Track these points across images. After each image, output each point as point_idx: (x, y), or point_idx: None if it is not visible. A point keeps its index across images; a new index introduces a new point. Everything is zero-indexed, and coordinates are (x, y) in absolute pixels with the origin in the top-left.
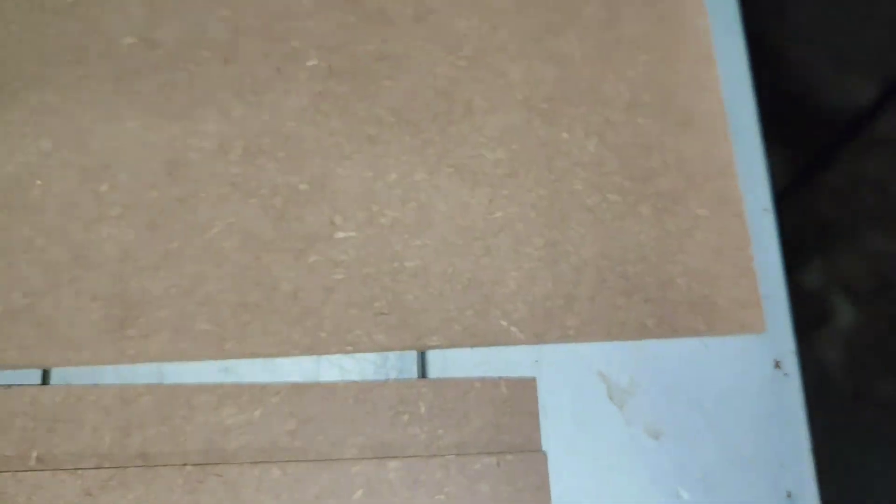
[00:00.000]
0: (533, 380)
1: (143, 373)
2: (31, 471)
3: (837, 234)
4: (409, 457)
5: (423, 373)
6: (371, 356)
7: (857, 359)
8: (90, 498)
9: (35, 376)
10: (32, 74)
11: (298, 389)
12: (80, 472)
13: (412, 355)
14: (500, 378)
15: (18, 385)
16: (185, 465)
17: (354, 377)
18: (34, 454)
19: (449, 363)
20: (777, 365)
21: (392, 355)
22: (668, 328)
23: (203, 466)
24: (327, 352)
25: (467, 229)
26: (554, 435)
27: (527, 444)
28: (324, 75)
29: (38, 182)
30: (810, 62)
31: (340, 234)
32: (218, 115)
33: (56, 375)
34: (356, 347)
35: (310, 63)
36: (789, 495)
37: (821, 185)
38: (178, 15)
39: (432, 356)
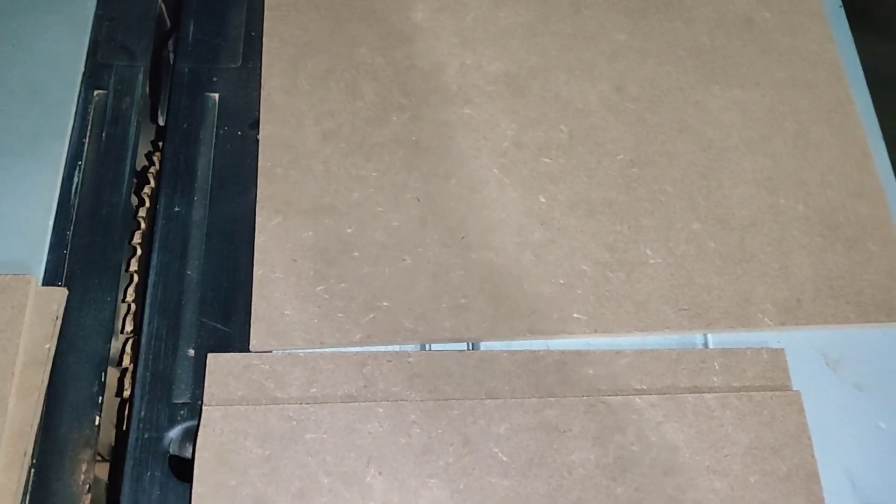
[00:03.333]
0: (783, 350)
1: (536, 344)
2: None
3: None
4: (717, 391)
5: (706, 345)
6: (676, 336)
7: None
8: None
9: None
10: None
11: (639, 354)
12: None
13: (700, 335)
14: (762, 348)
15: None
16: (581, 395)
17: (665, 346)
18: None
19: (722, 340)
20: None
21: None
22: (863, 319)
23: (592, 397)
24: (655, 331)
25: (731, 257)
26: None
27: (784, 388)
28: (628, 165)
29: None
30: None
31: (651, 261)
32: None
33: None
34: (672, 330)
35: (619, 157)
36: None
37: None
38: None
39: (711, 335)
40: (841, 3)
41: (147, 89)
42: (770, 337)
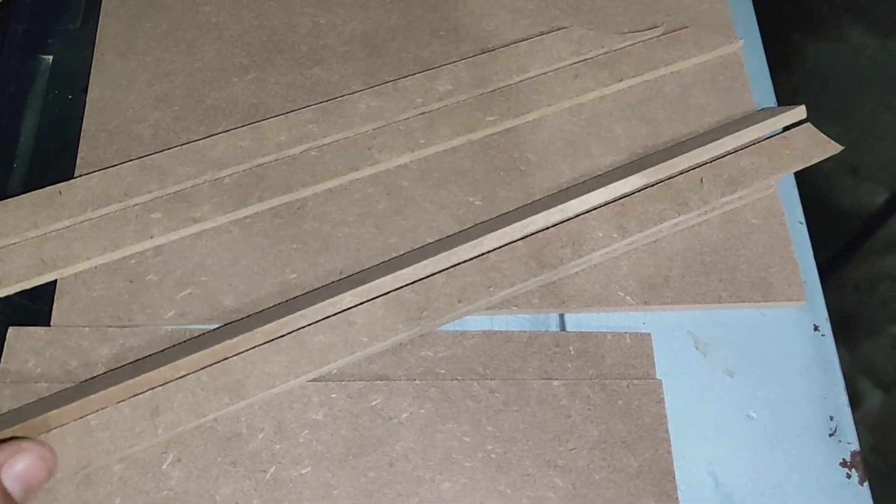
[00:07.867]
0: (649, 334)
1: None
2: None
3: (861, 325)
4: (567, 379)
5: (563, 328)
6: (528, 316)
7: (886, 442)
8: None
9: None
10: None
11: (487, 335)
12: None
13: (555, 316)
14: (625, 332)
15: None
16: (414, 380)
17: (518, 329)
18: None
19: (581, 322)
20: (816, 328)
21: (542, 316)
22: (736, 298)
23: (426, 382)
24: (500, 311)
25: None
26: (658, 374)
27: (647, 376)
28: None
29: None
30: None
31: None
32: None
33: None
34: (520, 309)
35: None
36: (831, 418)
37: (842, 281)
38: None
39: (569, 317)
40: None
41: None
42: (637, 318)
